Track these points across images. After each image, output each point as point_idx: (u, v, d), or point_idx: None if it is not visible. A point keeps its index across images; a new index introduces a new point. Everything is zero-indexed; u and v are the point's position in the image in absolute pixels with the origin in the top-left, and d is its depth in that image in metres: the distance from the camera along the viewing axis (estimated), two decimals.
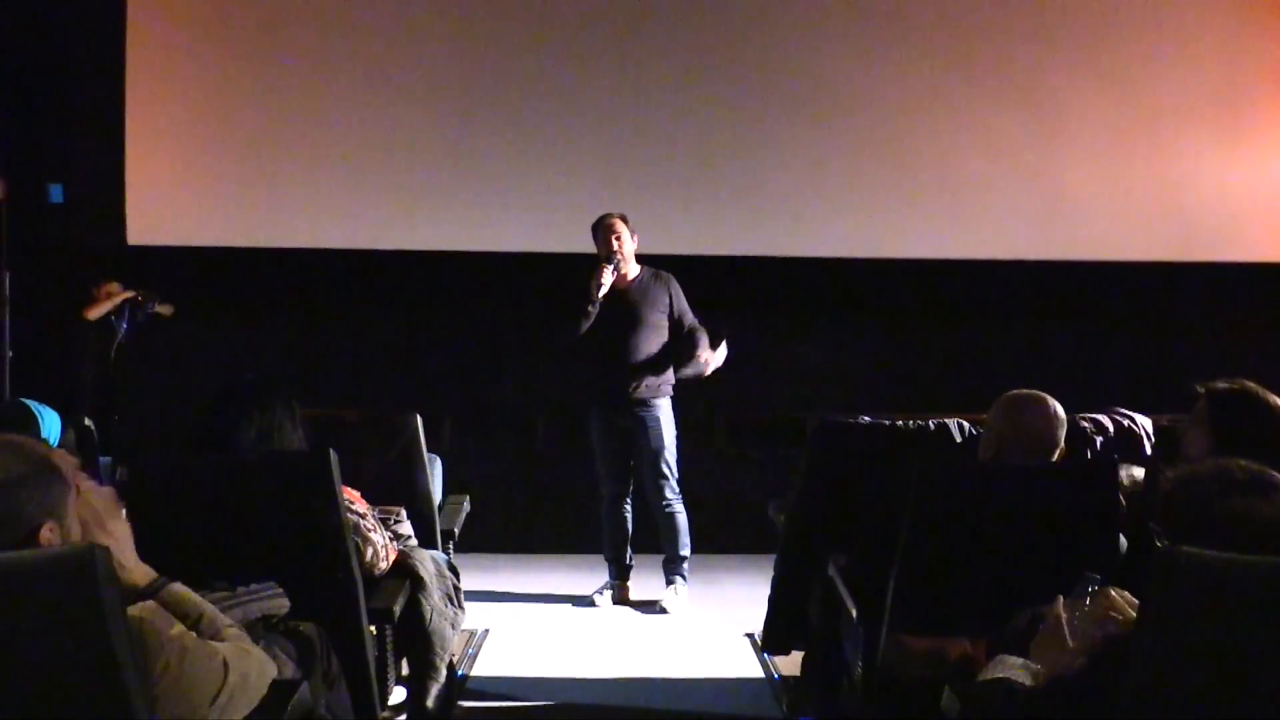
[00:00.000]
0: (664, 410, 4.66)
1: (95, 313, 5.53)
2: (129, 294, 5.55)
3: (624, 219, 4.65)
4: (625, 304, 4.63)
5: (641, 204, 5.70)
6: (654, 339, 4.64)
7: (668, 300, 4.68)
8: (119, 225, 5.76)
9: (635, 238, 4.66)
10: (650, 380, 4.63)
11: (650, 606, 4.73)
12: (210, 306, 5.76)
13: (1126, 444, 3.33)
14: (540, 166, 5.83)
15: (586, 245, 5.76)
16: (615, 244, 4.59)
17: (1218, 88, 5.91)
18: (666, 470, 4.67)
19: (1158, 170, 5.93)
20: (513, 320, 5.93)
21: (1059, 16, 5.90)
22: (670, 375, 4.68)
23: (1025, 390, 2.83)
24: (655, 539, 4.79)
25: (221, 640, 1.93)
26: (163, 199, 5.80)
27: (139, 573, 1.97)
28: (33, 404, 3.17)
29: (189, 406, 3.14)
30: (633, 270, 4.69)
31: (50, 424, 3.14)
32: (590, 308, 4.55)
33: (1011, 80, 5.90)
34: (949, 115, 5.87)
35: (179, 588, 1.98)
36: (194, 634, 1.85)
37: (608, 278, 4.56)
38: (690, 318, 4.70)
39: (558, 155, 5.83)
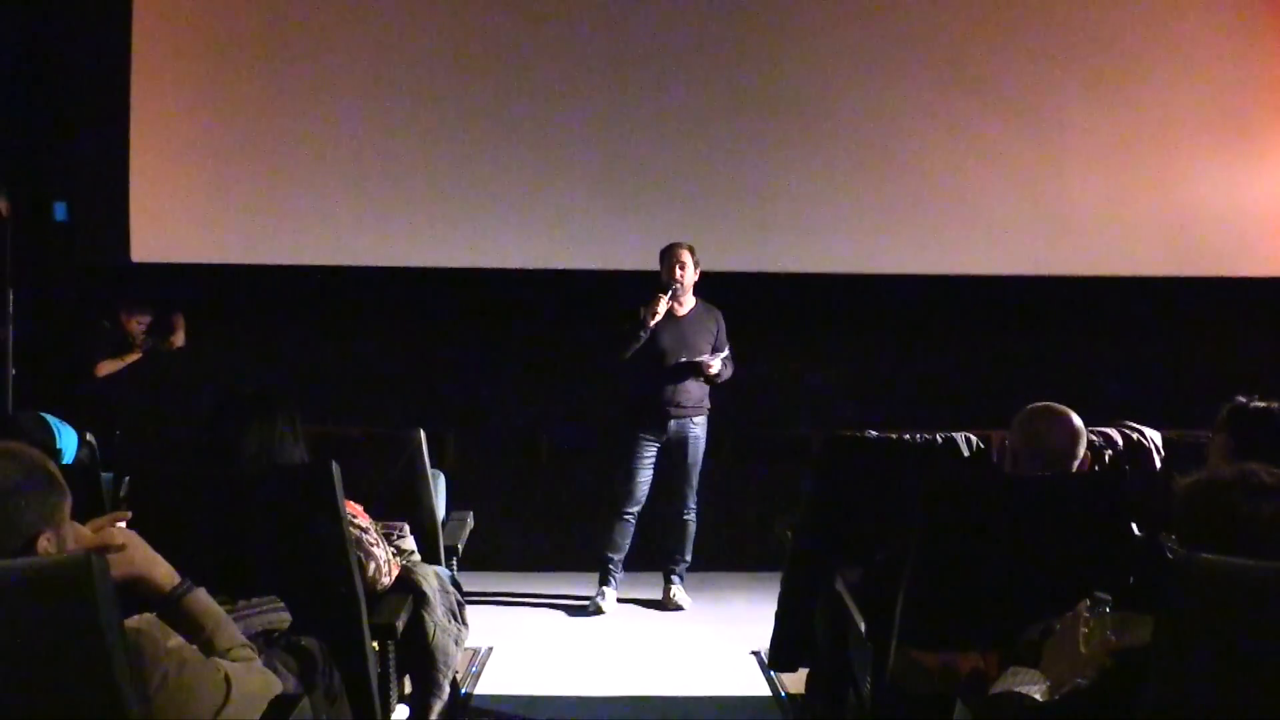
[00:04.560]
0: (704, 427, 4.95)
1: (106, 370, 5.48)
2: (139, 354, 5.49)
3: (691, 250, 4.86)
4: (679, 332, 4.85)
5: (645, 221, 5.72)
6: (700, 365, 4.88)
7: (714, 333, 4.94)
8: (123, 243, 5.75)
9: (698, 270, 4.88)
10: (696, 400, 4.90)
11: (652, 605, 5.01)
12: (214, 323, 5.74)
13: (1135, 458, 3.30)
14: (545, 184, 5.82)
15: (592, 262, 5.80)
16: (678, 273, 4.83)
17: (1223, 102, 5.90)
18: (695, 481, 4.98)
19: (1164, 185, 5.91)
20: (517, 337, 5.92)
21: (1064, 32, 5.90)
22: (708, 395, 4.95)
23: (1045, 403, 2.81)
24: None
25: (231, 657, 1.91)
26: (167, 216, 5.80)
27: (163, 574, 1.94)
28: (51, 418, 3.17)
29: (192, 423, 3.12)
30: (689, 302, 4.91)
31: (67, 440, 3.13)
32: (642, 333, 4.76)
33: (1016, 96, 5.89)
34: (953, 131, 5.86)
35: (201, 595, 1.95)
36: (194, 647, 1.82)
37: (663, 306, 4.78)
38: (726, 352, 4.94)
39: (563, 173, 5.83)
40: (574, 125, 5.83)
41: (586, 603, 4.96)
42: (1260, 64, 5.89)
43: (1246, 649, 1.58)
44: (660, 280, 4.85)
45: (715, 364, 4.82)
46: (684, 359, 4.84)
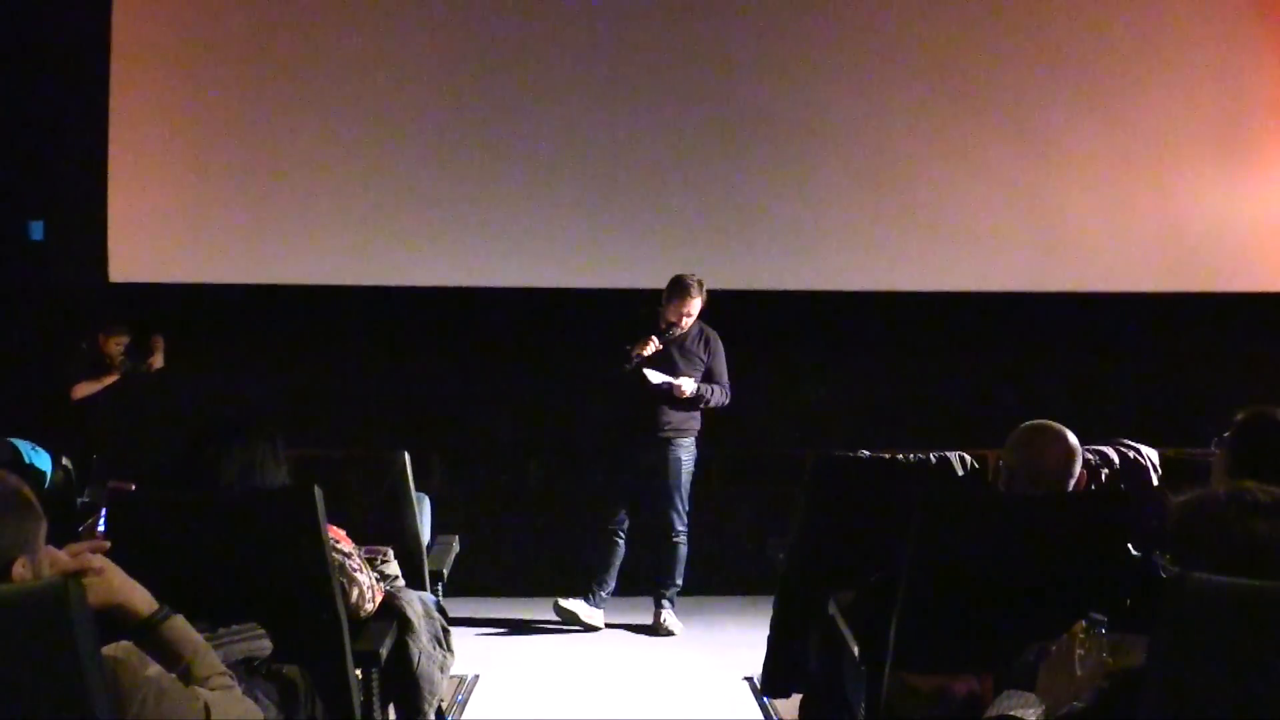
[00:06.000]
0: (686, 449, 4.92)
1: (83, 392, 5.41)
2: (117, 376, 5.43)
3: (702, 291, 4.84)
4: (666, 356, 4.84)
5: (636, 239, 5.70)
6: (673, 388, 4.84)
7: (705, 359, 4.93)
8: (101, 262, 5.70)
9: (703, 300, 4.87)
10: (676, 423, 4.87)
11: (643, 630, 4.95)
12: (193, 344, 5.67)
13: (1132, 476, 3.29)
14: (532, 202, 5.80)
15: (581, 281, 5.76)
16: (684, 321, 4.83)
17: (1217, 116, 5.92)
18: (680, 504, 4.93)
19: (1158, 200, 5.93)
20: (503, 357, 5.88)
21: (1057, 48, 5.92)
22: (695, 418, 4.93)
23: (1040, 421, 2.78)
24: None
25: (210, 686, 1.86)
26: (145, 236, 5.75)
27: (141, 600, 1.89)
28: (23, 444, 3.11)
29: (171, 446, 3.07)
30: (685, 323, 4.89)
31: (41, 465, 3.08)
32: (627, 367, 4.79)
33: (1012, 112, 5.90)
34: (947, 148, 5.87)
35: (180, 622, 1.91)
36: (173, 676, 1.78)
37: (649, 350, 4.78)
38: (720, 379, 4.93)
39: (552, 191, 5.81)
40: (564, 144, 5.81)
41: (577, 636, 4.89)
42: (1256, 79, 5.91)
43: (1241, 669, 1.56)
44: (661, 305, 4.83)
45: (687, 387, 4.81)
46: (660, 383, 4.81)
